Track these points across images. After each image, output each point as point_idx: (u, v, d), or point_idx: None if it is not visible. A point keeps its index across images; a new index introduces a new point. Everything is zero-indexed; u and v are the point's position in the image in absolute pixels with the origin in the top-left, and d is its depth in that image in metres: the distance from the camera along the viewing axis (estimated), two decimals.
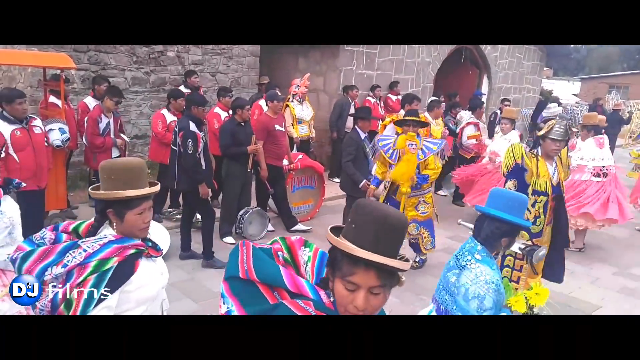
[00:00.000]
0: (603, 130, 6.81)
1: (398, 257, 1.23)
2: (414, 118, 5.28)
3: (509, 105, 10.98)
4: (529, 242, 4.05)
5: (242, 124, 5.84)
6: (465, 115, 8.52)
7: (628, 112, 16.12)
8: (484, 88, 12.95)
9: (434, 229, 5.48)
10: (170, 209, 6.63)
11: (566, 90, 34.06)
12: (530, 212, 4.00)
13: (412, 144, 5.10)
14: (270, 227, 6.33)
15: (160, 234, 5.63)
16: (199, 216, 5.69)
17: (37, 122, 4.91)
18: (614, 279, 5.66)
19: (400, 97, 8.79)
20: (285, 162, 6.48)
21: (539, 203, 4.03)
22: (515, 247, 3.85)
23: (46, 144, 5.05)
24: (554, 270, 4.23)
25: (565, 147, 4.24)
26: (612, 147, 12.66)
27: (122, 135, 6.11)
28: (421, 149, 5.14)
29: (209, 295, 4.70)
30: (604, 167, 6.24)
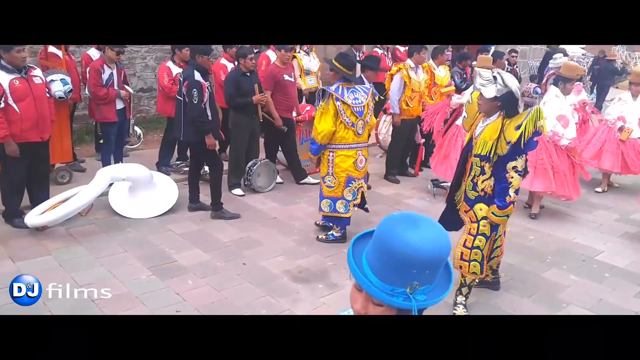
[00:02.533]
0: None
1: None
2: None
3: (516, 57, 10.81)
4: None
5: (247, 74, 5.78)
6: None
7: (621, 62, 15.76)
8: None
9: (322, 193, 4.84)
10: (178, 162, 6.65)
11: None
12: None
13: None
14: (278, 180, 6.37)
15: (168, 186, 5.70)
16: (207, 168, 5.72)
17: (37, 72, 4.77)
18: (616, 225, 5.72)
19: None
20: (294, 113, 6.45)
21: None
22: None
23: (48, 95, 4.95)
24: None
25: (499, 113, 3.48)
26: (602, 99, 12.46)
27: (126, 86, 6.06)
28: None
29: (217, 246, 4.78)
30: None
